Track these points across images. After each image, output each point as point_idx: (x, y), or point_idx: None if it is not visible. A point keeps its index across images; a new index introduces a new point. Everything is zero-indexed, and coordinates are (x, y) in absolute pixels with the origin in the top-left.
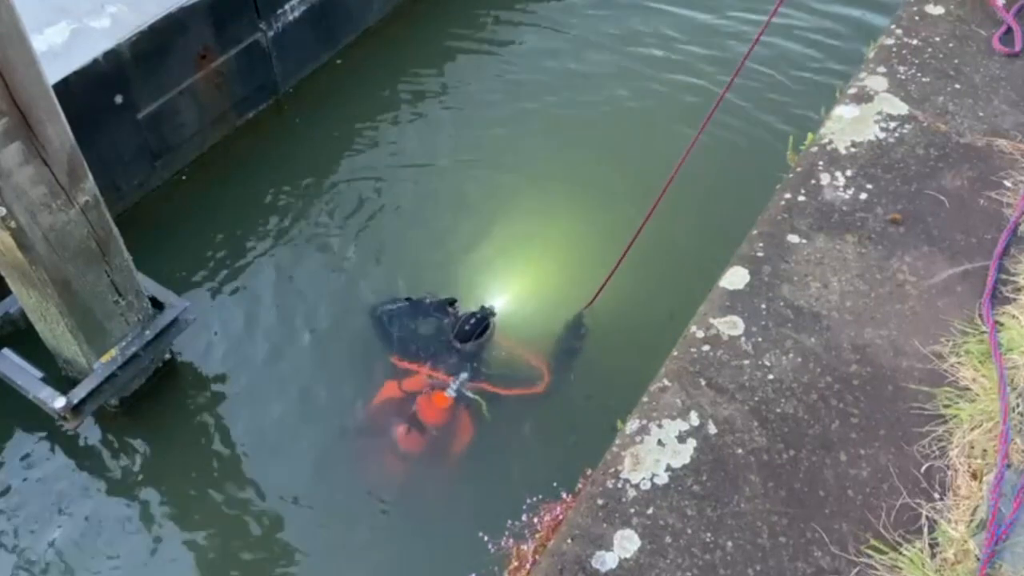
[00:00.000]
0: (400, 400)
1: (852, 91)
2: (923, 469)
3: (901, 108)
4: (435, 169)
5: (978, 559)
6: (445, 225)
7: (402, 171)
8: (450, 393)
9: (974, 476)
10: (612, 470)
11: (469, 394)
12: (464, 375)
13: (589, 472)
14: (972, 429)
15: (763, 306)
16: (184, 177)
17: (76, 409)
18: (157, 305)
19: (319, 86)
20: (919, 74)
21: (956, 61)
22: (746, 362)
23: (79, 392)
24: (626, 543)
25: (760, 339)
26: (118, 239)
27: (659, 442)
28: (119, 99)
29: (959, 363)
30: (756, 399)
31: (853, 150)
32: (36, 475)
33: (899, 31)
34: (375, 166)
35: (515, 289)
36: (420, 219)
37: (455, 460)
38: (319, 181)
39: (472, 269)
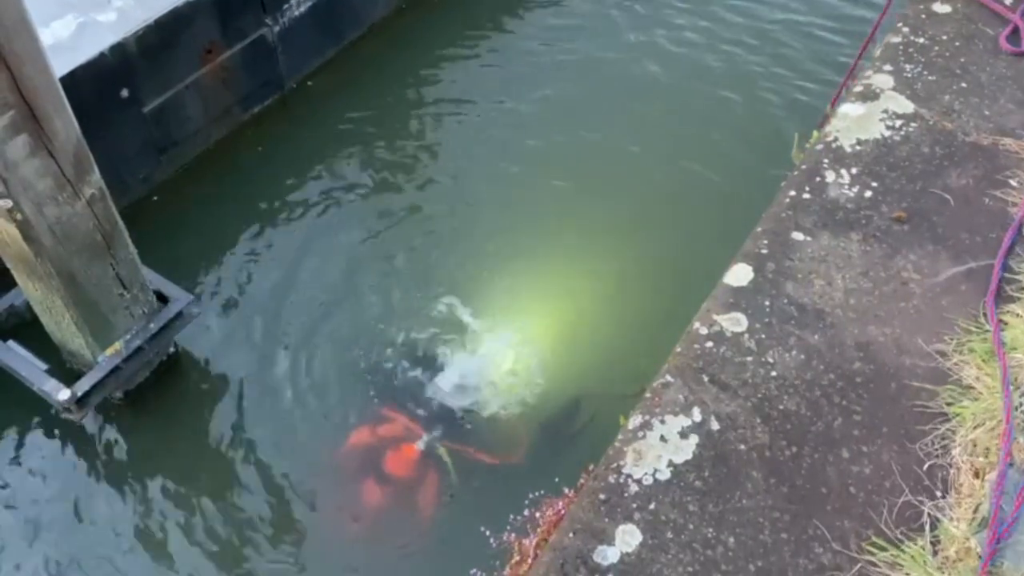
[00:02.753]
0: (371, 446)
1: (858, 89)
2: (925, 467)
3: (907, 106)
4: (440, 168)
5: (980, 557)
6: (452, 227)
7: (407, 169)
8: (420, 446)
9: (976, 474)
10: (614, 465)
11: (440, 451)
12: (437, 432)
13: (591, 467)
14: (975, 427)
15: (767, 303)
16: (189, 172)
17: (80, 401)
18: (162, 299)
19: (324, 82)
20: (925, 72)
21: (963, 60)
22: (749, 359)
23: (83, 384)
24: (628, 538)
25: (764, 336)
26: (123, 232)
27: (661, 438)
28: (125, 93)
29: (963, 361)
30: (759, 396)
31: (858, 148)
32: (40, 466)
33: (906, 29)
34: (379, 164)
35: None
36: (425, 221)
37: (422, 518)
38: (323, 177)
39: (476, 284)
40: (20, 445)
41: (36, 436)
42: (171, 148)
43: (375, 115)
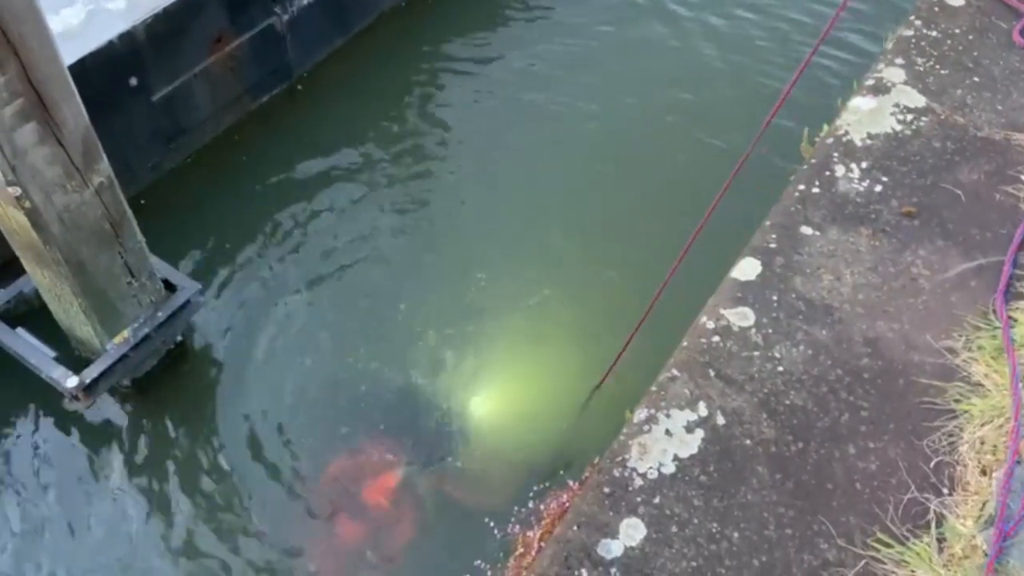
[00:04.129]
0: (353, 474)
1: (869, 82)
2: (932, 464)
3: (919, 100)
4: (449, 159)
5: (986, 555)
6: (458, 221)
7: (417, 159)
8: (398, 476)
9: (983, 472)
10: (619, 459)
11: (420, 486)
12: (421, 465)
13: (596, 460)
14: (983, 425)
15: (774, 298)
16: (198, 160)
17: (88, 389)
18: (169, 287)
19: (332, 72)
20: (938, 66)
21: (975, 53)
22: (756, 353)
23: (91, 372)
24: (632, 531)
25: (771, 331)
26: (132, 221)
27: (667, 432)
28: (134, 81)
29: (971, 358)
30: (765, 391)
31: (869, 142)
32: (47, 453)
33: (918, 22)
34: (387, 153)
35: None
36: (433, 212)
37: (394, 553)
38: (332, 167)
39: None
40: (28, 432)
41: (44, 423)
42: (180, 136)
43: (383, 105)
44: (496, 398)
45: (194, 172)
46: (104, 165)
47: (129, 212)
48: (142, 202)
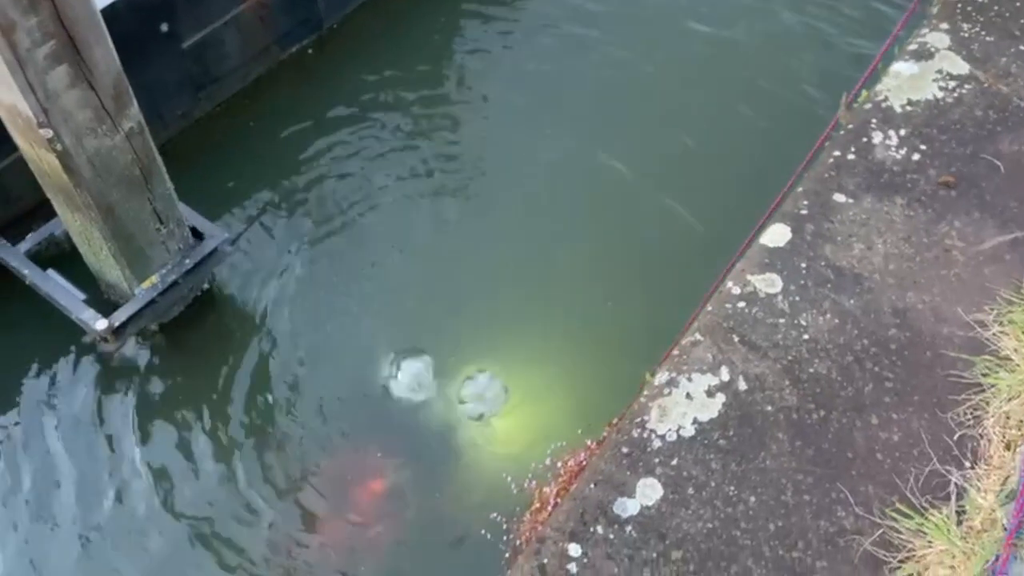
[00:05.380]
0: (350, 473)
1: (912, 47)
2: (956, 437)
3: (962, 67)
4: (479, 113)
5: (1005, 529)
6: (485, 179)
7: (444, 115)
8: (387, 483)
9: (1007, 447)
10: (638, 420)
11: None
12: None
13: (615, 421)
14: (1010, 399)
15: (803, 265)
16: (227, 109)
17: (117, 331)
18: (197, 235)
19: (363, 23)
20: (983, 32)
21: (1023, 21)
22: (781, 320)
23: (120, 316)
24: (649, 491)
25: (798, 298)
26: (161, 167)
27: (687, 395)
28: (165, 27)
29: (1002, 332)
30: (789, 358)
31: (909, 109)
32: (75, 392)
33: None
34: (416, 107)
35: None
36: (459, 166)
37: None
38: (360, 119)
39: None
40: (55, 372)
41: (73, 364)
42: (209, 85)
43: (413, 58)
44: (518, 356)
45: (223, 121)
46: (134, 110)
47: (159, 158)
48: (171, 149)
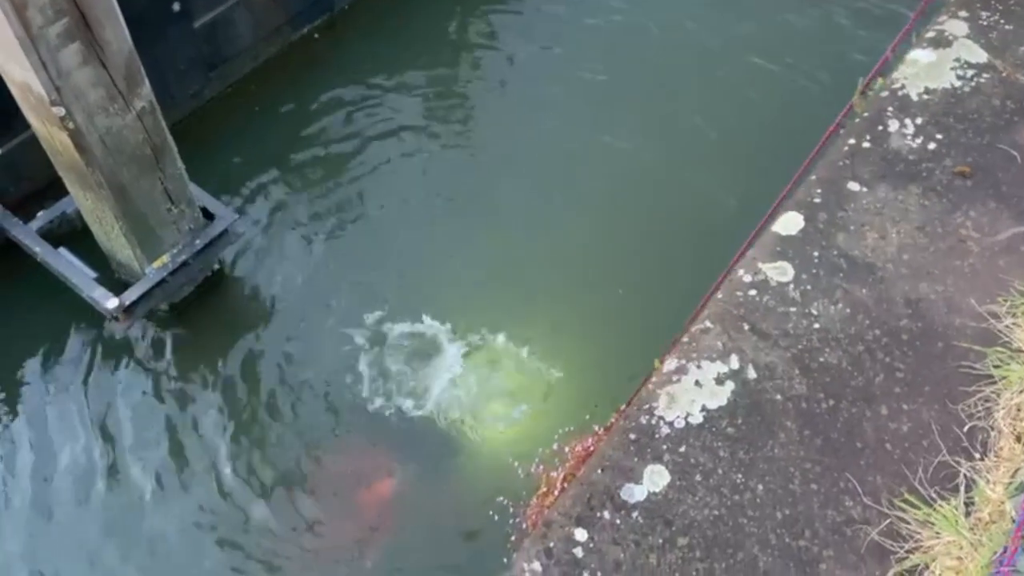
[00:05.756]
0: (356, 455)
1: (930, 35)
2: (966, 428)
3: (980, 56)
4: (490, 101)
5: (1014, 521)
6: (496, 162)
7: (454, 97)
8: (394, 487)
9: (1018, 439)
10: (647, 406)
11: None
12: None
13: (622, 407)
14: (1021, 392)
15: (815, 254)
16: (238, 90)
17: (128, 310)
18: (208, 216)
19: (374, 5)
20: (1002, 21)
21: None
22: (792, 309)
23: (131, 295)
24: (656, 478)
25: (809, 287)
26: (172, 147)
27: (696, 383)
28: (176, 7)
29: (1015, 324)
30: (800, 347)
31: (926, 97)
32: (85, 370)
33: None
34: (427, 89)
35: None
36: (467, 151)
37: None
38: (372, 100)
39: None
40: (66, 349)
41: (82, 342)
42: (221, 65)
43: (425, 41)
44: (526, 343)
45: (234, 102)
46: (146, 89)
47: (170, 138)
48: (181, 130)
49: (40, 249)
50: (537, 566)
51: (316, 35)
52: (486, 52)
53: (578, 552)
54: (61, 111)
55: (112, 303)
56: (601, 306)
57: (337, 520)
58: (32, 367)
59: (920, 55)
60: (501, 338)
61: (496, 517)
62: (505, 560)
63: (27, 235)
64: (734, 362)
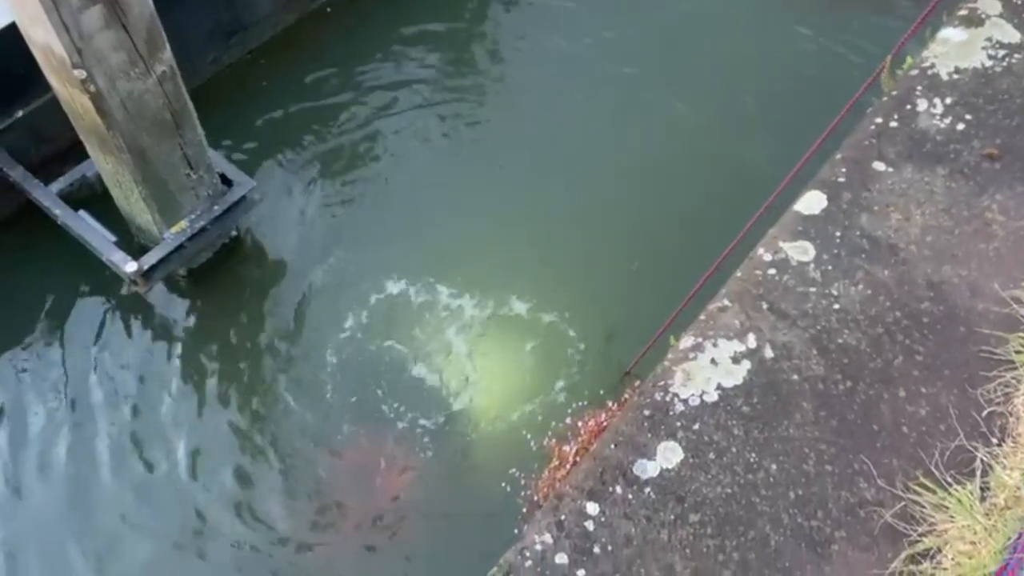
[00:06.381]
0: (369, 441)
1: (962, 13)
2: (984, 413)
3: (1013, 36)
4: (513, 73)
5: None
6: (511, 139)
7: (478, 70)
8: (406, 455)
9: None
10: (662, 383)
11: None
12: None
13: (637, 384)
14: None
15: (838, 234)
16: (258, 57)
17: (146, 275)
18: (226, 182)
19: None
20: None
21: None
22: (812, 289)
23: (150, 259)
24: (669, 454)
25: (830, 267)
26: (192, 113)
27: (712, 361)
28: None
29: None
30: (818, 327)
31: (956, 77)
32: (101, 334)
33: None
34: (449, 60)
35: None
36: (487, 123)
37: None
38: (392, 69)
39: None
40: (82, 313)
41: (99, 306)
42: (240, 32)
43: (449, 11)
44: (543, 314)
45: (253, 69)
46: (167, 54)
47: (190, 104)
48: (201, 96)
49: (61, 211)
50: (548, 538)
51: (337, 3)
52: (512, 23)
53: (589, 525)
54: (82, 74)
55: (131, 267)
56: (616, 280)
57: (350, 488)
58: (50, 328)
59: (951, 34)
60: (519, 306)
61: (508, 488)
62: (516, 531)
63: (47, 197)
64: (751, 341)
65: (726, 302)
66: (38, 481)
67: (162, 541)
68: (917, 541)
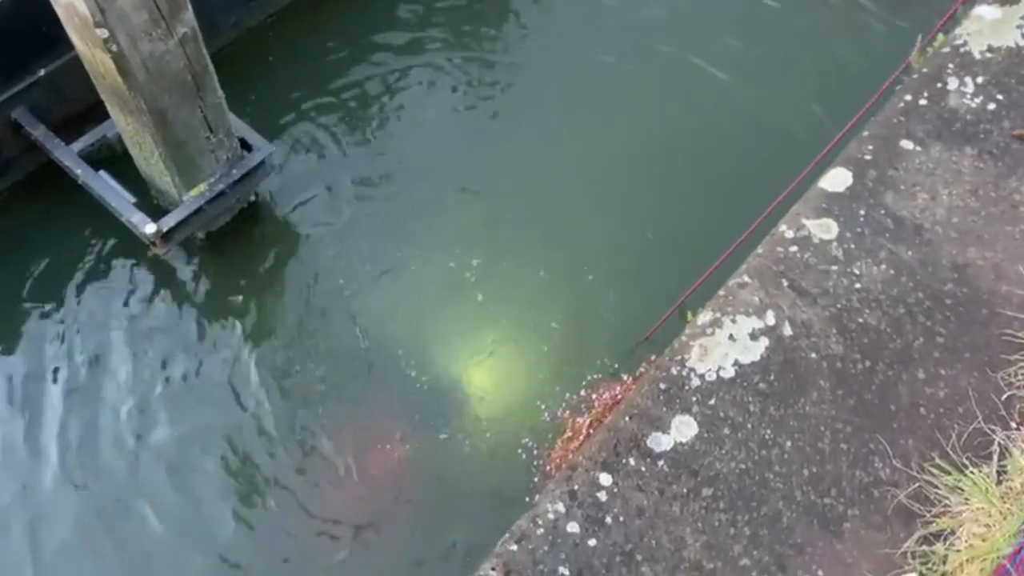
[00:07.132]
0: (369, 436)
1: None
2: (1004, 397)
3: None
4: (537, 48)
5: None
6: (534, 111)
7: (498, 43)
8: (405, 451)
9: None
10: (678, 357)
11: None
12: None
13: (653, 358)
14: None
15: (862, 212)
16: (279, 21)
17: (165, 236)
18: (245, 146)
19: None
20: None
21: None
22: (834, 268)
23: (169, 221)
24: (684, 428)
25: (853, 246)
26: (213, 76)
27: (730, 337)
28: None
29: None
30: (839, 306)
31: (988, 55)
32: (119, 294)
33: None
34: (473, 30)
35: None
36: (511, 97)
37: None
38: (416, 36)
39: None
40: (100, 273)
41: (118, 266)
42: None
43: None
44: (558, 287)
45: (274, 32)
46: (189, 15)
47: (210, 66)
48: (221, 59)
49: (81, 171)
50: (560, 507)
51: None
52: None
53: (602, 496)
54: (105, 33)
55: (150, 228)
56: (633, 253)
57: (362, 454)
58: (69, 288)
59: (985, 11)
60: (535, 280)
61: (523, 456)
62: (528, 500)
63: (68, 156)
64: (770, 318)
65: (746, 278)
66: (55, 441)
67: (166, 517)
68: (931, 522)
